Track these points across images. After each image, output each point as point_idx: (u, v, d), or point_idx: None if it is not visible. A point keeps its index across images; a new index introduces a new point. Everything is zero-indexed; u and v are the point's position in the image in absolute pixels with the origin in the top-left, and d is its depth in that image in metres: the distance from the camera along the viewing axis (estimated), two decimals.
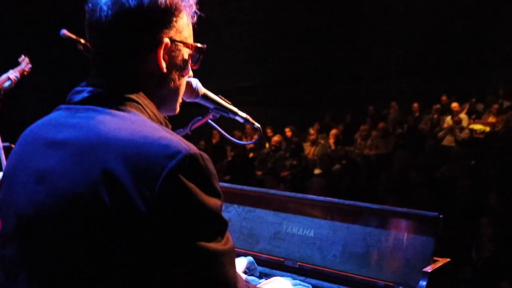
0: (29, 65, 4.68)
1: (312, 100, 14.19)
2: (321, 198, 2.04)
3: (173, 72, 1.35)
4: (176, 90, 1.38)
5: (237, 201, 2.16)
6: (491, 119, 11.37)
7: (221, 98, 1.79)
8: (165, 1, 1.28)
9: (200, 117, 1.83)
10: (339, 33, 14.09)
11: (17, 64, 4.68)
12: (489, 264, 4.45)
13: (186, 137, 1.43)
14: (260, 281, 1.73)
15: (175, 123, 1.45)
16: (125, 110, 1.24)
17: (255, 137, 8.95)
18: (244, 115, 1.85)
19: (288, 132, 11.55)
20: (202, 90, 1.70)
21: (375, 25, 14.12)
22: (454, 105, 11.45)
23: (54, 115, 1.31)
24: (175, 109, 1.42)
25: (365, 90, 14.13)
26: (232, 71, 13.37)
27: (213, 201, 1.17)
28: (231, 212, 2.15)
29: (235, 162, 9.94)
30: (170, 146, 1.14)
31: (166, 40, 1.30)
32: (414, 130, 11.09)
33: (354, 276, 1.85)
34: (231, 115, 1.82)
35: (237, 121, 1.86)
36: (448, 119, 11.21)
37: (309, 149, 10.89)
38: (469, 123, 11.19)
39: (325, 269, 1.90)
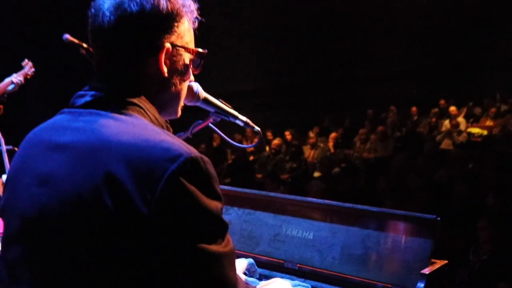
0: (32, 69, 4.71)
1: (312, 104, 14.21)
2: (320, 200, 2.04)
3: (174, 76, 1.36)
4: (177, 95, 1.39)
5: (237, 203, 2.16)
6: (489, 122, 11.43)
7: (221, 102, 1.80)
8: (167, 7, 1.29)
9: (201, 121, 1.84)
10: (338, 37, 14.14)
11: (21, 68, 4.72)
12: (487, 266, 4.47)
13: (187, 140, 1.45)
14: (260, 282, 1.74)
15: (176, 126, 1.46)
16: (127, 114, 1.25)
17: (255, 140, 8.98)
18: (244, 118, 1.86)
19: (288, 135, 11.58)
20: (203, 94, 1.71)
21: (375, 29, 14.17)
22: (452, 109, 11.51)
23: (57, 118, 1.32)
24: (176, 113, 1.43)
25: (364, 94, 14.16)
26: (232, 75, 13.39)
27: (214, 204, 1.18)
28: (231, 215, 2.16)
29: (236, 165, 9.96)
30: (172, 149, 1.16)
31: (168, 45, 1.31)
32: (412, 134, 11.13)
33: (353, 277, 1.85)
34: (231, 119, 1.83)
35: (238, 125, 1.87)
36: (446, 123, 11.25)
37: (308, 152, 10.91)
38: (467, 127, 11.25)
39: (324, 271, 1.91)
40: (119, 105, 1.26)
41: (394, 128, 11.78)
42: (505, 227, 4.71)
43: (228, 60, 12.13)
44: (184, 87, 1.41)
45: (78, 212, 1.15)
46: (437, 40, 14.12)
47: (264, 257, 2.03)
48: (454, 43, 13.98)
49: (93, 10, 1.31)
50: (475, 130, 11.09)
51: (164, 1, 1.29)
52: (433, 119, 11.82)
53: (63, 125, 1.27)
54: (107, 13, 1.28)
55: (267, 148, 11.15)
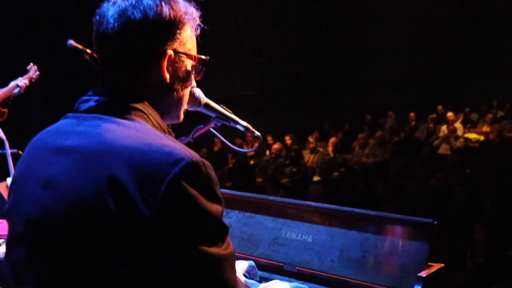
0: (37, 73, 4.77)
1: (312, 109, 14.23)
2: (319, 204, 2.05)
3: (177, 82, 1.37)
4: (179, 100, 1.41)
5: (237, 207, 2.17)
6: (485, 128, 11.50)
7: (222, 107, 1.81)
8: (170, 14, 1.31)
9: (202, 126, 1.85)
10: (338, 44, 14.18)
11: (26, 71, 4.77)
12: (483, 269, 4.47)
13: (188, 144, 1.45)
14: (260, 285, 1.76)
15: (178, 131, 1.47)
16: (130, 119, 1.27)
17: (256, 145, 8.94)
18: (244, 123, 1.88)
19: (288, 140, 11.61)
20: (204, 99, 1.72)
21: (374, 36, 14.21)
22: (450, 114, 11.58)
23: (62, 123, 1.33)
24: (179, 117, 1.45)
25: (363, 100, 14.20)
26: (233, 81, 13.42)
27: (215, 207, 1.19)
28: (231, 218, 2.17)
29: (236, 169, 9.96)
30: (173, 154, 1.17)
31: (170, 51, 1.33)
32: (410, 139, 11.18)
33: (351, 280, 1.86)
34: (232, 124, 1.85)
35: (238, 130, 1.89)
36: (444, 128, 11.31)
37: (308, 157, 10.92)
38: (464, 132, 11.31)
39: (323, 274, 1.92)
40: (123, 110, 1.28)
41: (392, 133, 11.82)
42: (501, 231, 4.73)
43: (229, 66, 12.17)
44: (186, 93, 1.43)
45: (82, 214, 1.17)
46: (435, 47, 14.18)
47: (264, 260, 2.04)
48: (452, 50, 14.04)
49: (97, 17, 1.34)
50: (472, 135, 11.16)
51: (167, 9, 1.31)
52: (431, 125, 11.88)
53: (67, 129, 1.29)
54: (111, 20, 1.30)
55: (267, 153, 11.17)
